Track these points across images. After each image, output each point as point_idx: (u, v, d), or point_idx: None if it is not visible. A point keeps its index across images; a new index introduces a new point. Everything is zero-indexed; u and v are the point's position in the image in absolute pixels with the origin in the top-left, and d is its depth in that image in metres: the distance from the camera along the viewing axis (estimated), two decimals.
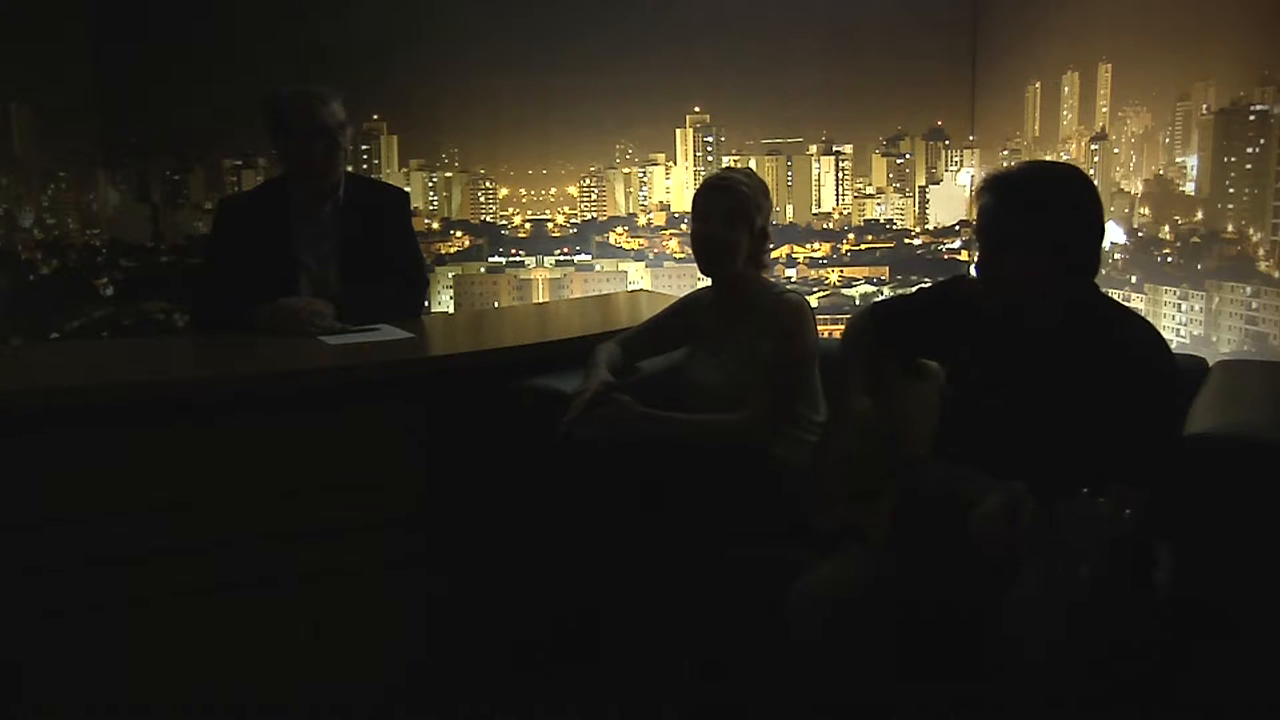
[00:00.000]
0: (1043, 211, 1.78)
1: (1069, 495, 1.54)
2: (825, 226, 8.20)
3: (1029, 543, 1.61)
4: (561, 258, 8.11)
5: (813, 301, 2.39)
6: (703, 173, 8.11)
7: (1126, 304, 2.11)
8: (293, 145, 2.68)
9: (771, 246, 2.43)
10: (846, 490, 2.02)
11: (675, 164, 8.16)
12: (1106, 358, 1.79)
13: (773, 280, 2.40)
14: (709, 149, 8.07)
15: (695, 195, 2.37)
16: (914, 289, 2.25)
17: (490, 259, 8.12)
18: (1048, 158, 7.24)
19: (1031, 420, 1.82)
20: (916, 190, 8.03)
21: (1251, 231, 6.25)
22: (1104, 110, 6.93)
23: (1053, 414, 1.81)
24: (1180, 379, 1.88)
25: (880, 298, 2.33)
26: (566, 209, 8.18)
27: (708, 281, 2.42)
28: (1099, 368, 1.78)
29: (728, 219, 2.29)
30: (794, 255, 7.89)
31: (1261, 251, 6.20)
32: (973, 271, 1.96)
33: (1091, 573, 1.52)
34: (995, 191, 1.82)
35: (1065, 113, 7.16)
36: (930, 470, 1.87)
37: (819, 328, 2.36)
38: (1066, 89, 7.14)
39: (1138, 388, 1.75)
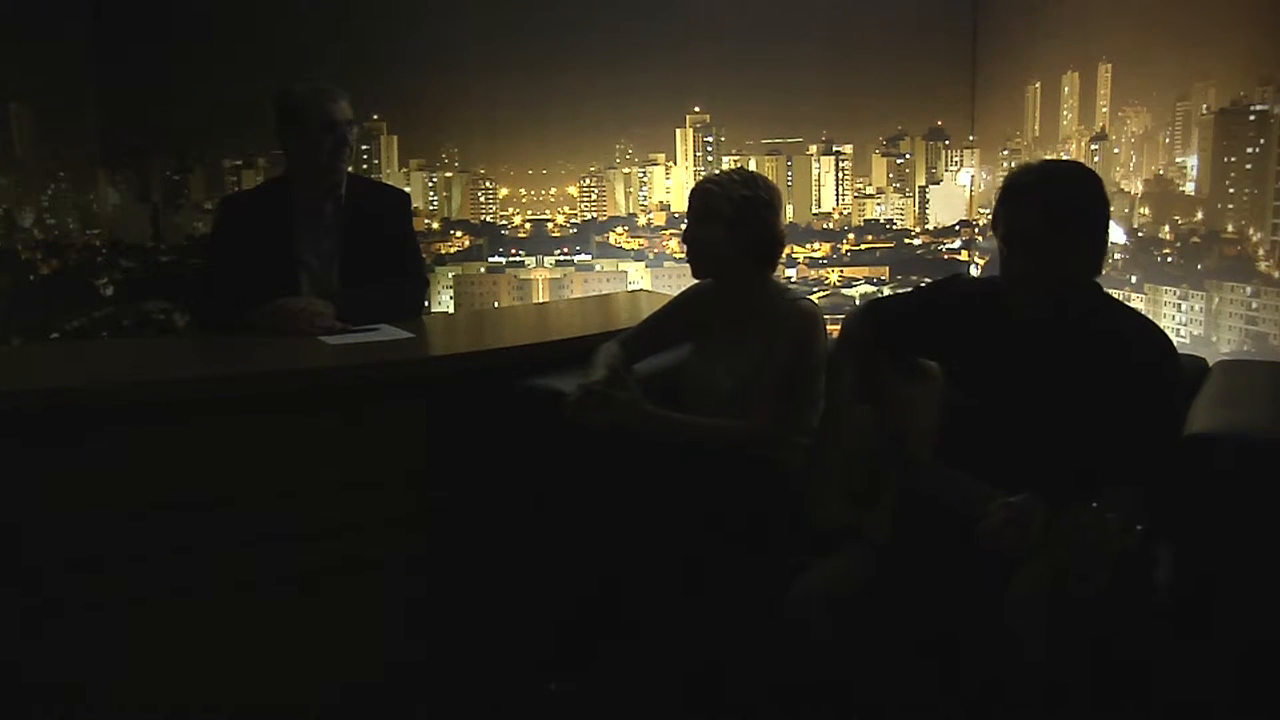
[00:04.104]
0: (1080, 212, 1.80)
1: (1076, 509, 1.54)
2: (825, 226, 8.19)
3: (1034, 549, 1.61)
4: (561, 258, 8.09)
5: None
6: (703, 173, 8.10)
7: (1127, 304, 2.12)
8: (302, 139, 2.69)
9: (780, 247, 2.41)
10: (846, 490, 2.02)
11: (675, 164, 8.15)
12: (1110, 356, 1.79)
13: (787, 285, 2.40)
14: (709, 149, 8.06)
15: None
16: (912, 288, 2.24)
17: (490, 259, 8.11)
18: (1048, 157, 7.23)
19: (1036, 420, 1.81)
20: (916, 190, 8.02)
21: (1251, 231, 6.24)
22: (1104, 110, 6.92)
23: (1057, 413, 1.80)
24: (1183, 378, 1.88)
25: (876, 296, 2.32)
26: (566, 209, 8.16)
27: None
28: (1102, 366, 1.78)
29: (700, 217, 2.32)
30: (794, 255, 7.88)
31: (1261, 251, 6.19)
32: (974, 272, 1.96)
33: (1098, 588, 1.53)
34: (1028, 195, 1.81)
35: (1065, 113, 7.15)
36: (933, 476, 1.86)
37: None
38: (1066, 89, 7.13)
39: (1141, 386, 1.75)
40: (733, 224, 2.28)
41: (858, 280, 7.93)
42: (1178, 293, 6.49)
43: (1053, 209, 1.78)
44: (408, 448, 2.46)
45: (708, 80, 7.76)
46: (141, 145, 7.43)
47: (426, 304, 3.42)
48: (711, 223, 2.30)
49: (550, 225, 8.13)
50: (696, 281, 2.48)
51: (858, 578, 1.90)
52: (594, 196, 8.17)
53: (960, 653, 1.82)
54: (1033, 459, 1.78)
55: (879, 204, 8.15)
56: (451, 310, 7.55)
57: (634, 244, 8.13)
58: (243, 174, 7.53)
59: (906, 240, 8.00)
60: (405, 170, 7.98)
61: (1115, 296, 1.94)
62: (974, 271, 6.87)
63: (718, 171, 2.42)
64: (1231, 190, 6.36)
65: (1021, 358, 1.85)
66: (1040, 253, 1.79)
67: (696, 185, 2.36)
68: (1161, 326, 1.82)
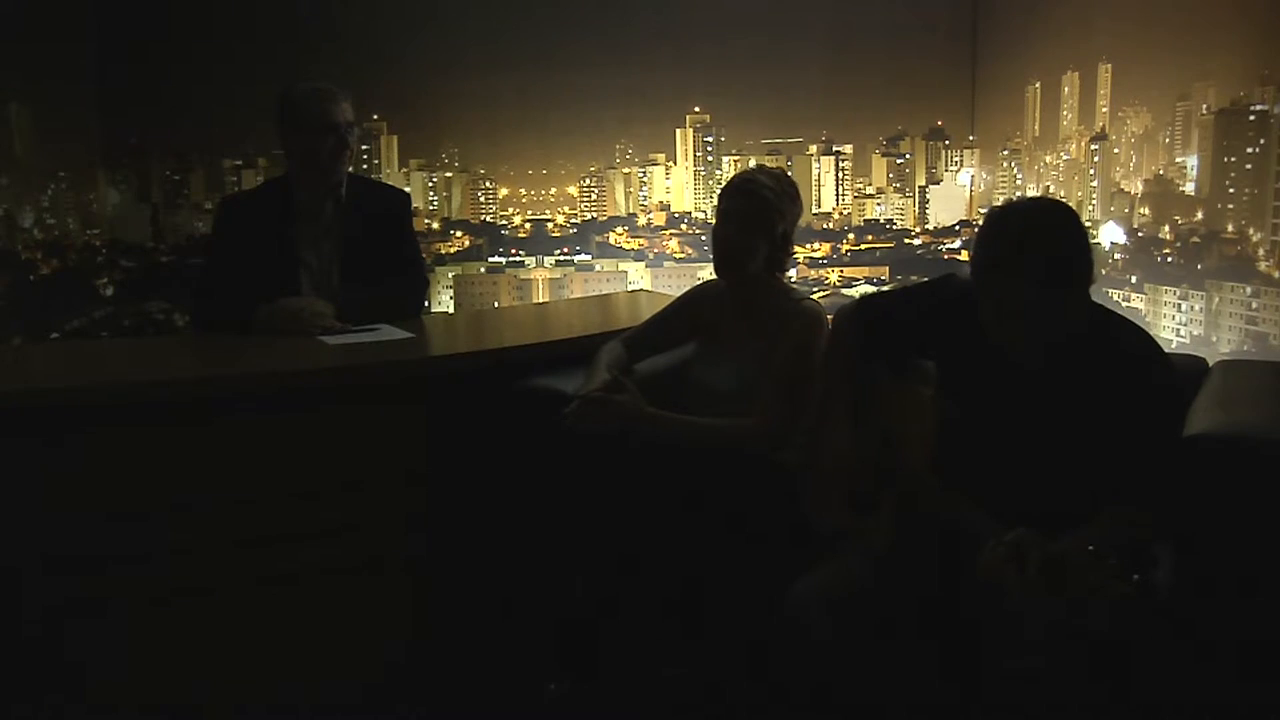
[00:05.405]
0: (1065, 264, 1.73)
1: (1073, 550, 1.51)
2: (825, 226, 8.21)
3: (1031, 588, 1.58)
4: (561, 258, 8.11)
5: None
6: (703, 173, 8.11)
7: (1124, 306, 2.10)
8: (302, 140, 2.69)
9: (794, 253, 2.41)
10: (844, 491, 2.01)
11: (675, 164, 8.16)
12: (1105, 370, 1.77)
13: (792, 286, 2.39)
14: (709, 149, 8.07)
15: (720, 194, 2.35)
16: (906, 286, 2.21)
17: (490, 259, 8.12)
18: (1046, 158, 7.23)
19: (1028, 436, 1.80)
20: (916, 190, 8.03)
21: (1251, 231, 6.24)
22: (1104, 110, 6.93)
23: (1050, 429, 1.79)
24: (1180, 389, 1.87)
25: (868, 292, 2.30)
26: (566, 209, 8.18)
27: (707, 275, 2.42)
28: (1097, 380, 1.77)
29: (746, 223, 2.27)
30: (794, 255, 7.91)
31: (1261, 251, 6.19)
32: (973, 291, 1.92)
33: (1100, 630, 1.52)
34: (1009, 266, 1.72)
35: (1065, 113, 7.16)
36: (932, 500, 1.84)
37: None
38: (1066, 89, 7.14)
39: (1138, 402, 1.74)
40: (772, 229, 2.27)
41: (858, 280, 7.94)
42: (1178, 293, 6.49)
43: (1037, 276, 1.70)
44: (408, 448, 2.46)
45: (708, 80, 7.77)
46: (141, 145, 7.45)
47: (426, 304, 3.42)
48: (760, 232, 2.27)
49: (550, 225, 8.14)
50: (701, 281, 2.48)
51: (857, 579, 1.89)
52: (594, 196, 8.18)
53: (959, 655, 1.82)
54: (1026, 474, 1.76)
55: (879, 204, 8.16)
56: (451, 310, 7.56)
57: (634, 244, 8.14)
58: (243, 174, 7.54)
59: (906, 240, 8.00)
60: (405, 170, 7.99)
61: (1112, 298, 1.92)
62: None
63: (759, 171, 2.35)
64: (1231, 190, 6.36)
65: (1011, 372, 1.83)
66: (1031, 316, 1.74)
67: (744, 185, 2.28)
68: (1161, 326, 1.79)
